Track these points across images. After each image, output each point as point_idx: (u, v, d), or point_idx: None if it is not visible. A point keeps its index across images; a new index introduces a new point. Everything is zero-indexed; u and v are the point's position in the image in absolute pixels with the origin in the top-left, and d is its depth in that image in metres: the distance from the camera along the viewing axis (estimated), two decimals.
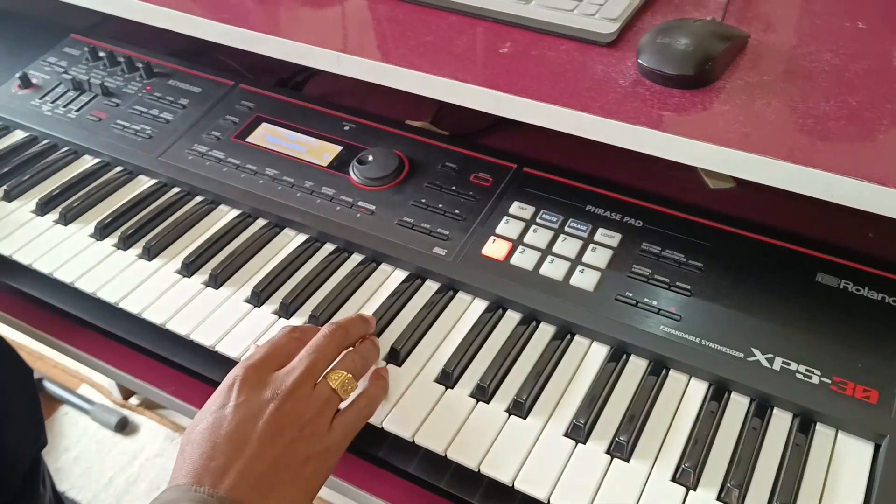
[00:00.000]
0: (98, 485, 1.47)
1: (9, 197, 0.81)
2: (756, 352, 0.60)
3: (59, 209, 0.79)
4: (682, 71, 0.62)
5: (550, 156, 0.79)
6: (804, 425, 0.58)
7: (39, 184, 0.83)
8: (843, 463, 0.56)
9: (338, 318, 0.67)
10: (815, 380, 0.59)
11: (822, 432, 0.58)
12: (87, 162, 0.86)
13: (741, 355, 0.60)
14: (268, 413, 0.54)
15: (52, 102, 0.92)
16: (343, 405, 0.58)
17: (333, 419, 0.57)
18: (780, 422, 0.59)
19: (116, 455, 1.52)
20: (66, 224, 0.78)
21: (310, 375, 0.57)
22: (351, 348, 0.62)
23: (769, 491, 0.55)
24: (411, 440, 0.59)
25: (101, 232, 0.77)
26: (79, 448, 1.54)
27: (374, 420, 0.60)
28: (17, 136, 0.90)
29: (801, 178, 0.55)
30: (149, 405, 1.61)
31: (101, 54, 0.96)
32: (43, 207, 0.80)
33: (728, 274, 0.66)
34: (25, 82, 0.94)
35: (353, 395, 0.59)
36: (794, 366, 0.60)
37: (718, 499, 0.54)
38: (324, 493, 0.58)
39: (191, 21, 0.77)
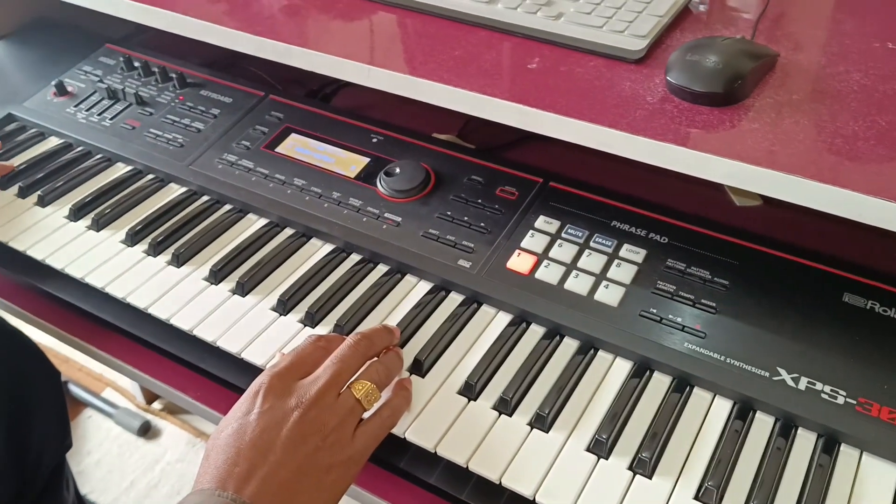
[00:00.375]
0: (119, 488, 1.48)
1: (43, 202, 0.83)
2: (782, 371, 0.60)
3: (91, 215, 0.81)
4: (711, 88, 0.62)
5: (576, 171, 0.79)
6: (829, 446, 0.58)
7: (73, 190, 0.85)
8: (868, 484, 0.56)
9: (363, 328, 0.68)
10: (841, 400, 0.58)
11: (847, 453, 0.58)
12: (119, 169, 0.88)
13: (766, 374, 0.60)
14: (292, 421, 0.55)
15: (87, 110, 0.93)
16: (366, 415, 0.59)
17: (356, 429, 0.57)
18: (805, 442, 0.58)
19: (138, 459, 1.53)
20: (98, 230, 0.80)
21: (334, 385, 0.58)
22: (375, 359, 0.62)
23: None
24: (433, 451, 0.59)
25: (132, 238, 0.78)
26: (101, 451, 1.55)
27: (396, 430, 0.60)
28: (52, 142, 0.92)
29: (829, 197, 0.55)
30: (171, 410, 1.62)
31: (136, 64, 0.97)
32: (76, 213, 0.81)
33: (754, 292, 0.66)
34: (61, 90, 0.96)
35: (376, 406, 0.59)
36: (819, 386, 0.59)
37: None
38: (344, 501, 0.58)
39: (225, 33, 0.79)
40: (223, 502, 0.50)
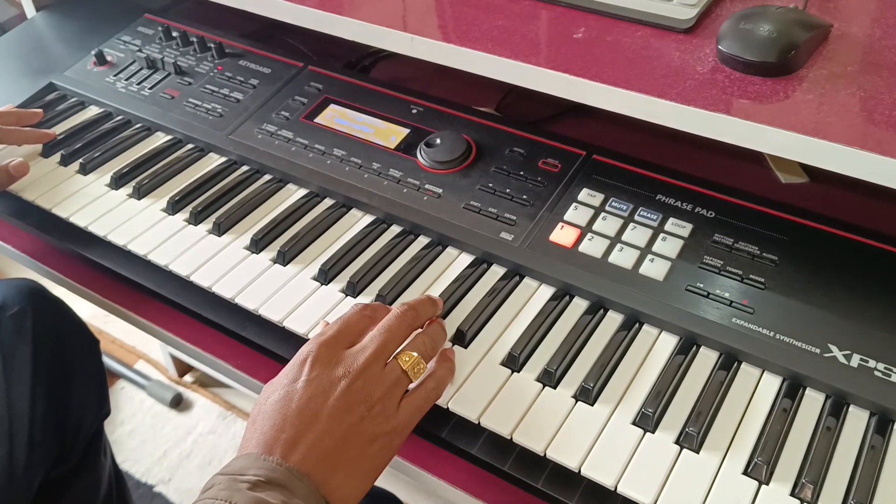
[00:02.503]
0: (152, 458, 1.50)
1: (84, 170, 0.83)
2: (833, 348, 0.59)
3: (132, 183, 0.81)
4: (764, 58, 0.61)
5: (618, 147, 0.78)
6: (881, 425, 0.57)
7: (114, 158, 0.85)
8: None
9: (405, 298, 0.68)
10: (894, 378, 0.57)
11: None
12: (159, 138, 0.88)
13: (817, 351, 0.59)
14: (339, 390, 0.55)
15: (127, 80, 0.93)
16: (411, 386, 0.59)
17: (401, 400, 0.57)
18: (857, 420, 0.57)
19: (170, 430, 1.55)
20: (139, 198, 0.80)
21: (381, 355, 0.57)
22: (421, 330, 0.62)
23: (844, 490, 0.53)
24: (476, 422, 0.59)
25: (174, 207, 0.78)
26: (134, 422, 1.57)
27: (440, 401, 0.60)
28: (92, 111, 0.93)
29: (886, 169, 0.54)
30: (203, 383, 1.64)
31: (174, 34, 0.97)
32: (117, 181, 0.82)
33: (804, 268, 0.64)
34: (101, 59, 0.96)
35: (421, 377, 0.59)
36: (872, 363, 0.58)
37: (792, 494, 0.53)
38: (386, 470, 0.58)
39: (265, 2, 0.78)
40: (269, 466, 0.51)
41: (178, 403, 1.60)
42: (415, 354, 0.58)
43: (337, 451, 0.53)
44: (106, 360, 1.66)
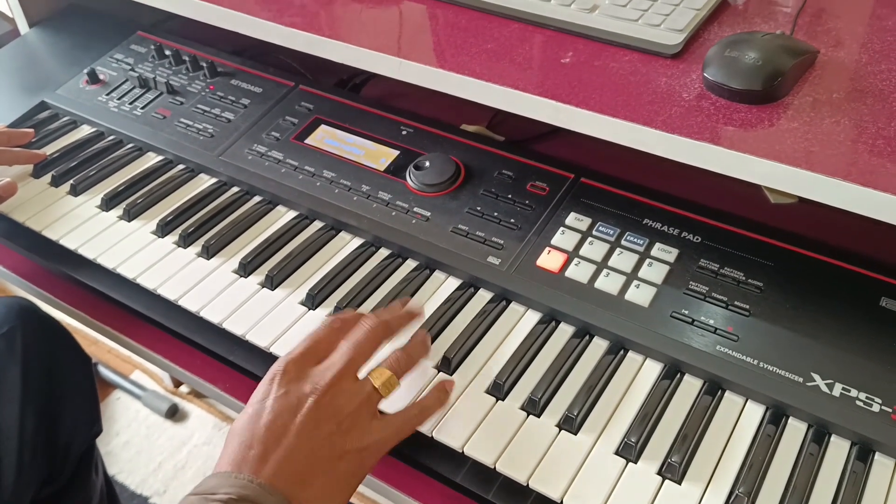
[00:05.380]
0: (147, 469, 1.51)
1: (75, 191, 0.84)
2: (816, 376, 0.59)
3: (123, 205, 0.81)
4: (749, 86, 0.61)
5: (607, 165, 0.78)
6: (862, 454, 0.57)
7: (105, 179, 0.85)
8: None
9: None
10: (876, 408, 0.57)
11: (882, 462, 0.57)
12: (151, 159, 0.88)
13: (800, 380, 0.59)
14: (306, 406, 0.55)
15: (119, 99, 0.94)
16: (392, 409, 0.59)
17: (379, 420, 0.58)
18: (838, 450, 0.57)
19: (165, 441, 1.55)
20: (129, 220, 0.80)
21: (350, 371, 0.58)
22: (399, 348, 0.62)
23: None
24: (461, 451, 0.59)
25: (163, 229, 0.78)
26: (129, 433, 1.58)
27: (424, 429, 0.60)
28: (85, 130, 0.93)
29: (870, 201, 0.54)
30: (199, 394, 1.64)
31: (167, 52, 0.97)
32: (108, 203, 0.82)
33: (789, 295, 0.64)
34: (93, 78, 0.96)
35: (395, 394, 0.59)
36: (854, 393, 0.58)
37: None
38: (370, 496, 0.58)
39: (256, 23, 0.78)
40: (241, 483, 0.51)
41: (174, 414, 1.60)
42: (388, 372, 0.59)
43: (306, 467, 0.54)
44: (102, 370, 1.66)
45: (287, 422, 0.54)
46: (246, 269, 0.74)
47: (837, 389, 0.58)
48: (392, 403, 0.60)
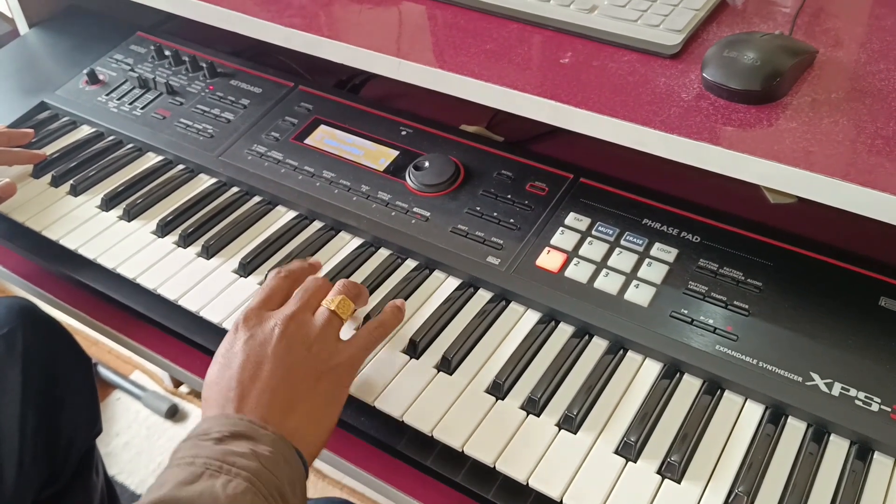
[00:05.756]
0: (147, 470, 1.51)
1: (75, 191, 0.84)
2: (815, 376, 0.59)
3: (123, 205, 0.81)
4: (748, 86, 0.61)
5: (607, 165, 0.78)
6: (862, 453, 0.57)
7: (105, 179, 0.86)
8: None
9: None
10: (875, 407, 0.57)
11: (881, 461, 0.57)
12: (150, 159, 0.88)
13: (799, 379, 0.59)
14: (274, 338, 0.57)
15: (119, 99, 0.94)
16: (347, 328, 0.62)
17: (346, 340, 0.61)
18: (837, 449, 0.58)
19: (166, 441, 1.55)
20: (129, 220, 0.80)
21: (308, 305, 0.61)
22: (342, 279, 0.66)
23: None
24: (461, 450, 0.59)
25: (163, 229, 0.78)
26: (129, 433, 1.58)
27: (425, 428, 0.60)
28: (84, 131, 0.93)
29: (868, 201, 0.54)
30: (199, 394, 1.64)
31: (167, 53, 0.97)
32: (108, 203, 0.82)
33: (788, 294, 0.65)
34: (93, 78, 0.96)
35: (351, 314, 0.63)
36: (853, 392, 0.58)
37: None
38: (370, 494, 0.58)
39: (254, 24, 0.79)
40: (231, 421, 0.52)
41: (174, 414, 1.60)
42: (340, 296, 0.62)
43: (286, 393, 0.55)
44: (102, 370, 1.66)
45: (259, 357, 0.57)
46: (246, 269, 0.74)
47: (837, 389, 0.58)
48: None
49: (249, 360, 0.56)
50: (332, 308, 0.61)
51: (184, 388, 1.65)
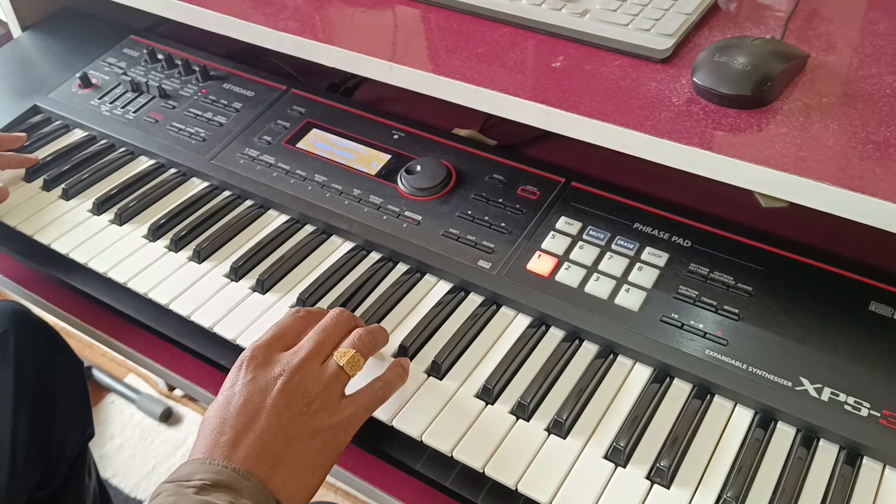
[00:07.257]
0: (141, 473, 1.50)
1: (67, 195, 0.84)
2: (805, 381, 0.59)
3: (114, 209, 0.81)
4: (739, 91, 0.61)
5: (599, 169, 0.78)
6: (851, 458, 0.57)
7: (97, 183, 0.85)
8: (890, 499, 0.55)
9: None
10: (864, 412, 0.57)
11: (869, 466, 0.57)
12: (143, 163, 0.88)
13: (789, 384, 0.59)
14: (276, 388, 0.56)
15: (111, 103, 0.94)
16: (354, 383, 0.60)
17: (345, 398, 0.59)
18: (827, 454, 0.58)
19: (160, 444, 1.55)
20: (120, 224, 0.80)
21: (318, 353, 0.59)
22: (361, 329, 0.63)
23: None
24: (450, 455, 0.59)
25: (154, 233, 0.78)
26: (123, 436, 1.57)
27: (414, 433, 0.60)
28: (77, 134, 0.93)
29: (858, 206, 0.54)
30: (193, 397, 1.64)
31: (160, 56, 0.97)
32: (99, 207, 0.82)
33: (778, 299, 0.65)
34: (85, 82, 0.96)
35: (361, 373, 0.60)
36: (842, 397, 0.58)
37: None
38: (363, 498, 0.58)
39: (246, 27, 0.79)
40: (214, 469, 0.51)
41: (168, 417, 1.60)
42: (352, 350, 0.60)
43: (279, 447, 0.54)
44: (96, 373, 1.66)
45: (257, 405, 0.55)
46: (237, 273, 0.74)
47: (826, 394, 0.58)
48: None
49: (247, 406, 0.55)
50: (342, 364, 0.59)
51: (178, 392, 1.65)
